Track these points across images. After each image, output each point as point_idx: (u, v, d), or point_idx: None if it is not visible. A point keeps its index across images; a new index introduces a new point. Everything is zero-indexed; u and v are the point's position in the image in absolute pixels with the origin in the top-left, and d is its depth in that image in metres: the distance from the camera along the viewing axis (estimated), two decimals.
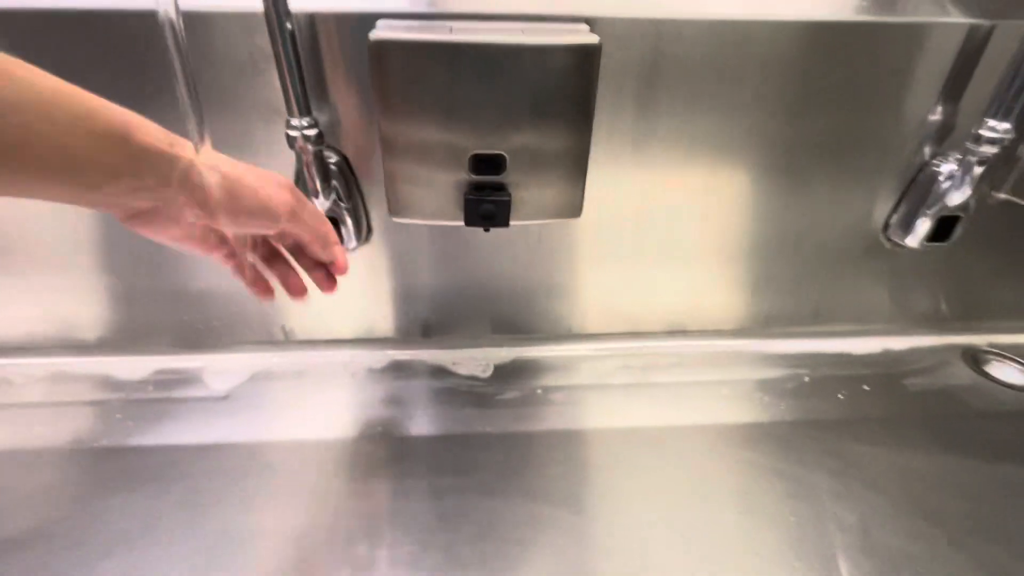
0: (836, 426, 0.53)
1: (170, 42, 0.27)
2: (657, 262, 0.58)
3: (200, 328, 0.58)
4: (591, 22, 0.42)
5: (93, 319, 0.57)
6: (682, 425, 0.53)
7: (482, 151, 0.42)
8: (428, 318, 0.60)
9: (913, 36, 0.46)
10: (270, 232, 0.34)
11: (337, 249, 0.39)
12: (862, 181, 0.54)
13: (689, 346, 0.63)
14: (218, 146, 0.31)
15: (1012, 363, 0.62)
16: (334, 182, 0.47)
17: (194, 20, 0.41)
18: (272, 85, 0.43)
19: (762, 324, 0.64)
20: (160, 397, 0.55)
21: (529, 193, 0.44)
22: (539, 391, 0.57)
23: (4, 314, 0.56)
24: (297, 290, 0.40)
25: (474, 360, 0.60)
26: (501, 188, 0.43)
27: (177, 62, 0.27)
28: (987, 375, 0.60)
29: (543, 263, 0.57)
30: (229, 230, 0.33)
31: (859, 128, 0.51)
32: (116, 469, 0.47)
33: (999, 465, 0.49)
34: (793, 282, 0.62)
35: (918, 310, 0.65)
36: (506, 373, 0.59)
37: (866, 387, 0.59)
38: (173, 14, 0.26)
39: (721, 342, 0.64)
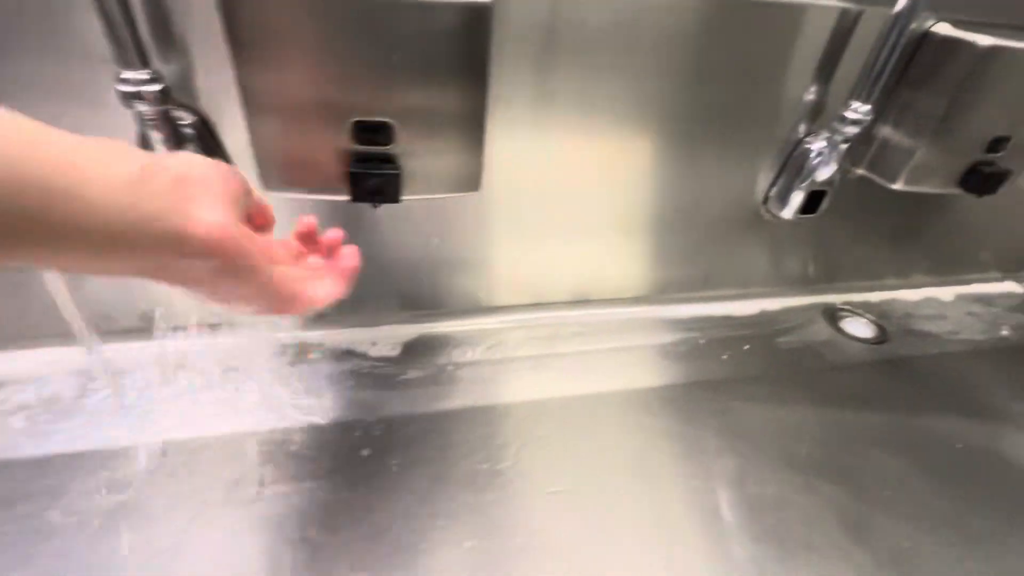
0: (721, 385, 0.58)
1: None
2: (559, 233, 0.58)
3: None
4: None
5: None
6: (586, 394, 0.55)
7: (366, 118, 0.37)
8: None
9: (791, 16, 0.48)
10: None
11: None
12: (746, 155, 0.57)
13: (592, 315, 0.64)
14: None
15: (860, 318, 0.71)
16: (190, 148, 0.40)
17: None
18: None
19: (659, 291, 0.67)
20: None
21: (421, 164, 0.41)
22: (448, 368, 0.55)
23: None
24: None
25: (381, 340, 0.57)
26: (390, 160, 0.39)
27: None
28: (841, 330, 0.68)
29: (445, 237, 0.54)
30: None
31: (745, 104, 0.53)
32: None
33: (846, 413, 0.56)
34: (686, 251, 0.65)
35: (790, 274, 0.71)
36: (414, 351, 0.57)
37: (746, 347, 0.64)
38: None
39: (622, 310, 0.66)
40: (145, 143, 0.39)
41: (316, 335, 0.56)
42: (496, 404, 0.52)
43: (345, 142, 0.38)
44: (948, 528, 0.45)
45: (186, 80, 0.40)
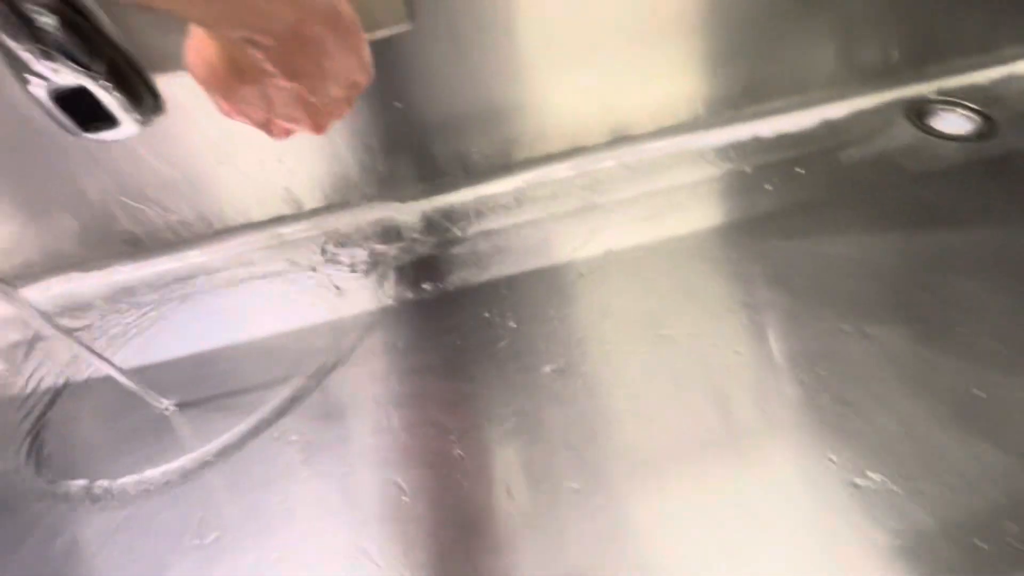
0: (765, 222, 0.48)
1: None
2: (548, 64, 0.47)
3: None
4: None
5: None
6: (633, 246, 0.48)
7: None
8: (320, 178, 0.50)
9: None
10: None
11: None
12: None
13: (632, 153, 0.55)
14: None
15: (959, 110, 0.55)
16: (56, 36, 0.33)
17: None
18: None
19: (703, 113, 0.55)
20: None
21: None
22: (486, 236, 0.50)
23: None
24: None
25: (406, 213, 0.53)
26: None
27: None
28: (930, 129, 0.54)
29: (409, 92, 0.45)
30: None
31: None
32: None
33: (923, 233, 0.46)
34: (727, 56, 0.51)
35: (863, 65, 0.55)
36: (441, 223, 0.52)
37: (799, 170, 0.53)
38: None
39: (664, 142, 0.55)
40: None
41: (342, 221, 0.52)
42: (494, 279, 0.47)
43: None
44: None
45: None
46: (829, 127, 0.56)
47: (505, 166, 0.53)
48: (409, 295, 0.47)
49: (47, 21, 0.33)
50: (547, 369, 0.40)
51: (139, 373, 0.40)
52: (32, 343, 0.47)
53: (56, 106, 0.36)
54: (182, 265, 0.51)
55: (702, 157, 0.54)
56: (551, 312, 0.44)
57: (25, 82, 0.34)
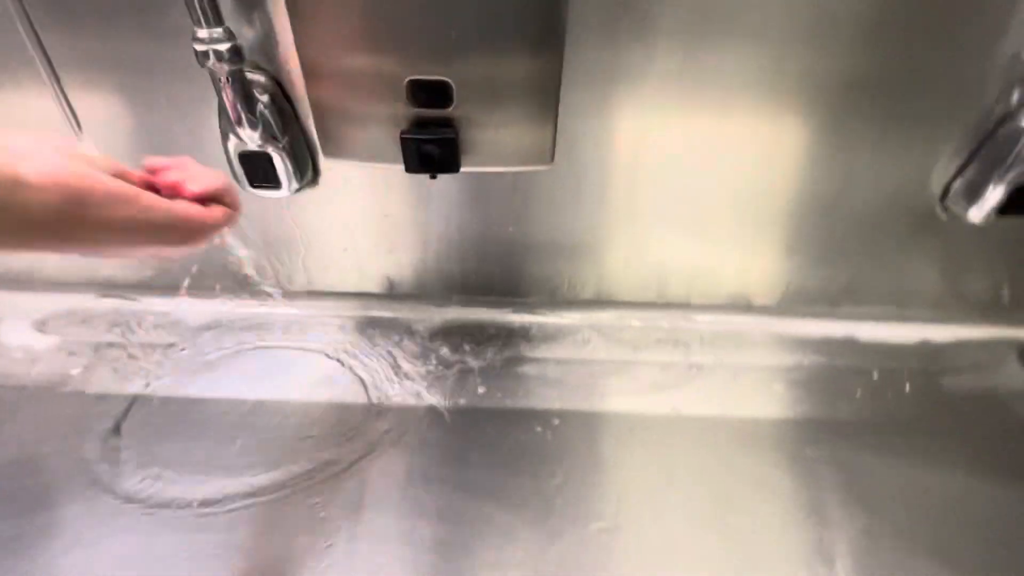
0: (851, 429, 0.45)
1: None
2: (657, 222, 0.50)
3: None
4: None
5: None
6: (666, 415, 0.46)
7: (421, 76, 0.33)
8: (398, 274, 0.54)
9: None
10: None
11: None
12: (918, 136, 0.43)
13: (692, 320, 0.55)
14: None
15: None
16: (263, 111, 0.40)
17: None
18: None
19: (784, 300, 0.55)
20: None
21: (484, 133, 0.36)
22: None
23: None
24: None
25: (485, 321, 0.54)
26: (447, 125, 0.35)
27: None
28: None
29: (521, 217, 0.49)
30: None
31: (922, 67, 0.39)
32: None
33: None
34: (823, 253, 0.52)
35: (971, 295, 0.54)
36: (517, 340, 0.53)
37: (897, 384, 0.50)
38: None
39: (732, 317, 0.55)
40: (222, 109, 0.40)
41: (426, 315, 0.55)
42: (552, 409, 0.47)
43: (401, 106, 0.35)
44: None
45: (263, 42, 0.39)
46: (931, 349, 0.54)
47: (592, 301, 0.55)
48: (465, 401, 0.47)
49: (262, 99, 0.40)
50: (594, 527, 0.37)
51: (200, 402, 0.42)
52: (124, 347, 0.50)
53: (239, 162, 0.42)
54: (270, 312, 0.54)
55: (792, 344, 0.53)
56: (607, 459, 0.42)
57: (226, 139, 0.41)
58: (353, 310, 0.55)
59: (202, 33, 0.35)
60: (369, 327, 0.54)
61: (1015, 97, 0.40)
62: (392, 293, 0.55)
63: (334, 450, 0.42)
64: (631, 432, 0.44)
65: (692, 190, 0.48)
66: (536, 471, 0.41)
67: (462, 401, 0.47)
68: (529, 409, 0.46)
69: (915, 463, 0.43)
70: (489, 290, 0.55)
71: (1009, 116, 0.41)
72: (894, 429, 0.46)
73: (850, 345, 0.53)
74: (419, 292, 0.55)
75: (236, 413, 0.45)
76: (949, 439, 0.45)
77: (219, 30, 0.35)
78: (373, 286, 0.55)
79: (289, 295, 0.55)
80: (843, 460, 0.43)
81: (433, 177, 0.38)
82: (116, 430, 0.43)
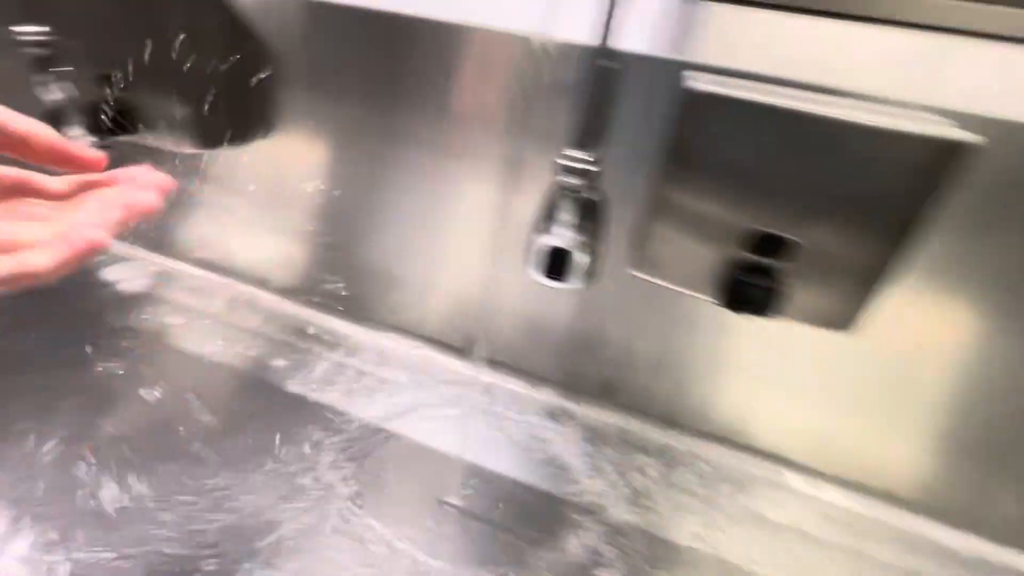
0: None
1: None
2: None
3: None
4: (958, 118, 0.35)
5: None
6: None
7: (769, 230, 0.37)
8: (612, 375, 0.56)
9: None
10: None
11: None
12: None
13: (840, 499, 0.51)
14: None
15: None
16: (583, 220, 0.46)
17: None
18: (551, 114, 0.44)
19: (927, 501, 0.50)
20: None
21: (802, 290, 0.38)
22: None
23: None
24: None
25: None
26: (772, 276, 0.38)
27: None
28: None
29: (753, 360, 0.50)
30: None
31: None
32: None
33: None
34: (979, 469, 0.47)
35: None
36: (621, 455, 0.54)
37: None
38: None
39: (872, 509, 0.51)
40: (549, 209, 0.46)
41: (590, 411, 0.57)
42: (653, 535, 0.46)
43: (735, 250, 0.39)
44: None
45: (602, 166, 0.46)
46: None
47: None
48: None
49: (588, 206, 0.46)
50: None
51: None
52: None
53: (544, 254, 0.48)
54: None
55: (926, 551, 0.47)
56: None
57: (538, 237, 0.48)
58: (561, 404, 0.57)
59: (576, 153, 0.42)
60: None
61: None
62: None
63: None
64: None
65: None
66: None
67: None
68: (603, 521, 0.44)
69: None
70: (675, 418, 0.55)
71: None
72: None
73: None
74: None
75: None
76: None
77: (592, 154, 0.42)
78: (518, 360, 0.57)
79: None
80: None
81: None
82: None
